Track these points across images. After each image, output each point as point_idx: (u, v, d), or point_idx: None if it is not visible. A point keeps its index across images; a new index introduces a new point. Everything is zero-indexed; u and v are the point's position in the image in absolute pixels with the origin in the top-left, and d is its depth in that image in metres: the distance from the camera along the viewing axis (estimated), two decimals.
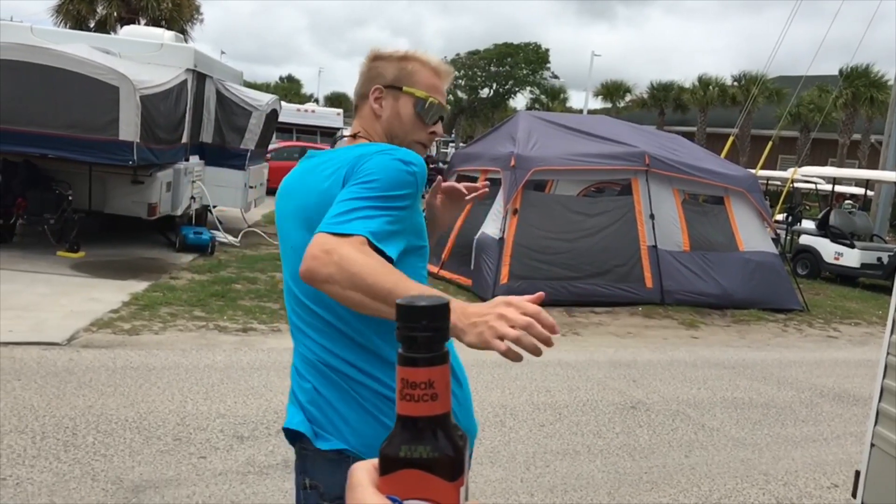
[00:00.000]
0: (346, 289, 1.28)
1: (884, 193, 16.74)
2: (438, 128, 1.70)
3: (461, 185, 1.86)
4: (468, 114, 50.05)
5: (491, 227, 8.67)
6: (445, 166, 15.07)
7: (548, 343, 1.11)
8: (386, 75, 1.68)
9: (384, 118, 1.67)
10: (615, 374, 6.22)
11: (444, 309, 0.58)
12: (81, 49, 8.46)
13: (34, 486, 3.33)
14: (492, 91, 49.91)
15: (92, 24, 26.34)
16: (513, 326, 1.11)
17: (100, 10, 26.74)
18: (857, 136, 28.14)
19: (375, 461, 0.58)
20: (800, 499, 4.12)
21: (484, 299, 8.79)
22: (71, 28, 24.47)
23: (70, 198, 8.69)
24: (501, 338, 1.11)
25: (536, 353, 1.11)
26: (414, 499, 0.56)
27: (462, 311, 1.16)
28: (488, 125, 38.64)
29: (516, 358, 1.11)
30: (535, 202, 8.90)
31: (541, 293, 1.18)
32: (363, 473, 0.58)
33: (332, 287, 1.30)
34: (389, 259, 1.36)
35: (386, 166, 1.44)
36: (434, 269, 8.93)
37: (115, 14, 26.21)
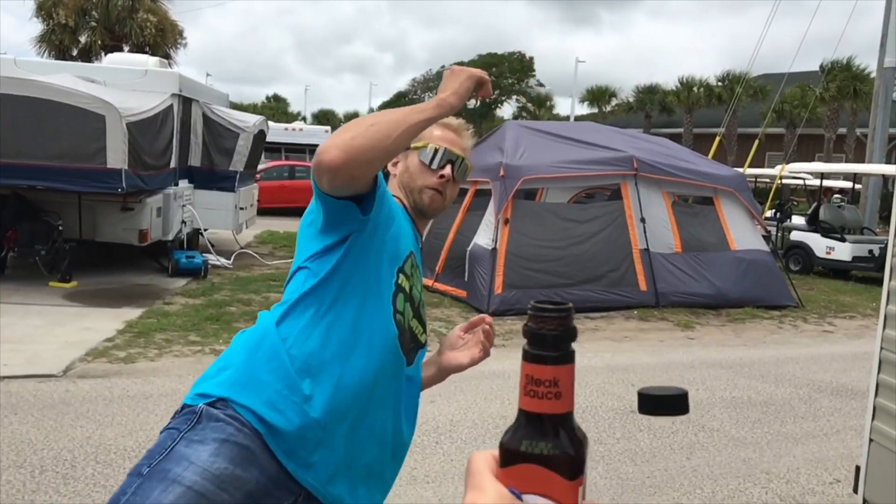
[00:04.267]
0: (371, 126, 1.45)
1: (872, 186, 16.84)
2: (447, 170, 1.77)
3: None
4: None
5: (483, 237, 8.69)
6: None
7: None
8: None
9: (398, 176, 1.83)
10: (613, 378, 6.23)
11: (571, 310, 0.59)
12: (66, 79, 8.46)
13: None
14: (478, 101, 50.15)
15: (75, 53, 26.35)
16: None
17: (83, 38, 26.76)
18: (842, 130, 28.30)
19: (495, 452, 0.59)
20: (802, 496, 4.12)
21: (479, 310, 8.77)
22: (54, 58, 24.49)
23: (60, 228, 8.66)
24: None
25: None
26: (532, 493, 0.56)
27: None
28: (476, 136, 38.72)
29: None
30: (526, 211, 8.93)
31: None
32: (482, 462, 0.59)
33: (357, 139, 1.43)
34: None
35: None
36: (428, 281, 8.94)
37: (99, 42, 26.22)
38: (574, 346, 0.59)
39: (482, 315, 1.80)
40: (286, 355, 1.54)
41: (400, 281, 1.65)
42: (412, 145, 1.77)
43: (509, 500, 0.55)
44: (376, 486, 1.68)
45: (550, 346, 0.58)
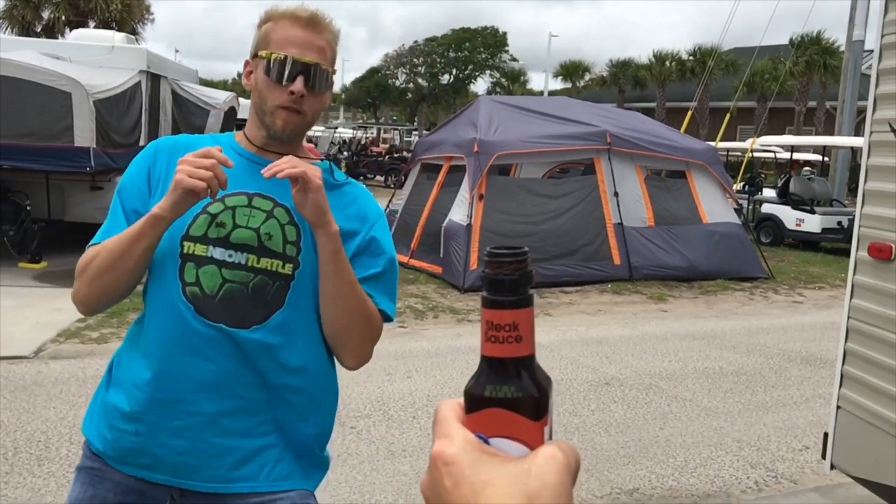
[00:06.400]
0: (94, 280, 1.56)
1: (841, 158, 17.06)
2: (297, 85, 1.44)
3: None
4: (430, 101, 49.89)
5: (458, 213, 8.69)
6: (409, 155, 15.03)
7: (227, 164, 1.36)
8: (251, 47, 1.52)
9: (252, 94, 1.53)
10: (588, 351, 6.29)
11: (526, 254, 0.59)
12: (30, 56, 8.27)
13: (9, 502, 3.29)
14: (452, 77, 49.81)
15: (39, 29, 25.74)
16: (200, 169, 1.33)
17: (46, 14, 26.14)
18: (812, 104, 28.59)
19: (460, 399, 0.59)
20: (773, 463, 4.21)
21: (455, 286, 8.72)
22: (17, 34, 23.90)
23: (28, 208, 8.51)
24: (192, 177, 1.33)
25: (223, 184, 1.35)
26: (499, 436, 0.56)
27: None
28: (450, 111, 38.54)
29: (214, 189, 1.34)
30: (500, 187, 8.93)
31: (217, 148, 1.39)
32: (449, 410, 0.59)
33: (85, 302, 1.59)
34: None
35: None
36: (404, 258, 8.92)
37: (63, 18, 25.62)
38: (532, 291, 0.60)
39: (273, 169, 1.35)
40: (107, 375, 1.61)
41: (186, 250, 1.47)
42: (259, 54, 1.48)
43: (477, 445, 0.55)
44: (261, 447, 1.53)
45: (508, 291, 0.58)
